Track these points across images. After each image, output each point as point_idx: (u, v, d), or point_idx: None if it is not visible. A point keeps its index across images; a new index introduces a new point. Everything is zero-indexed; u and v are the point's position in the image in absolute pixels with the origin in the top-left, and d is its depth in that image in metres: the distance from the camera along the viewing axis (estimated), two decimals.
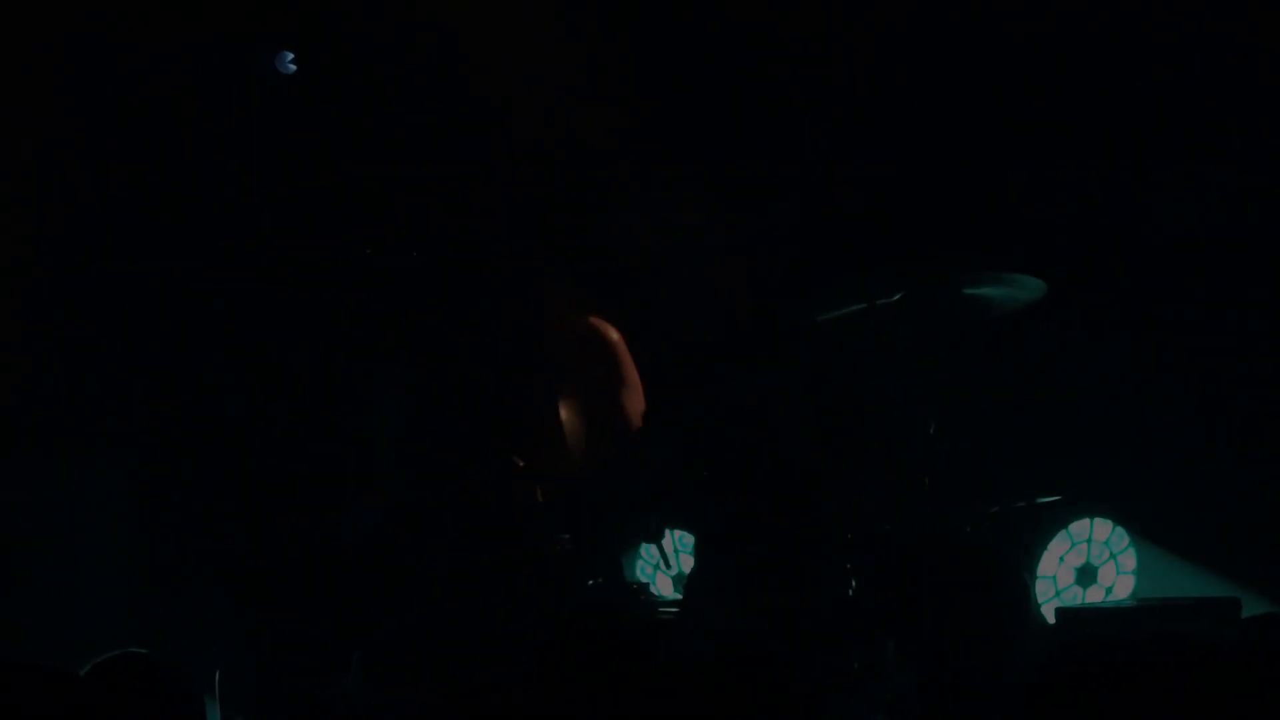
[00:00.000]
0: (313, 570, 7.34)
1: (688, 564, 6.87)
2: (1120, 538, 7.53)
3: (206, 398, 8.25)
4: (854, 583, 6.76)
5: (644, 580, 7.45)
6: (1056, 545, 7.46)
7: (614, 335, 7.13)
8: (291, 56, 7.93)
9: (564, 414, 6.96)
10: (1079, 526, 7.51)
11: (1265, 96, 8.12)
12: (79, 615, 7.87)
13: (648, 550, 7.80)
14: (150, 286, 8.36)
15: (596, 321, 7.13)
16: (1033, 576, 7.29)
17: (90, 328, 8.29)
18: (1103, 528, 7.52)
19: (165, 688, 5.00)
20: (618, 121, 8.15)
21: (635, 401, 7.10)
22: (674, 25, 8.35)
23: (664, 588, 7.29)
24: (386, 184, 8.19)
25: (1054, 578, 7.45)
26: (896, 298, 7.07)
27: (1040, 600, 7.25)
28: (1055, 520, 7.51)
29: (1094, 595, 7.43)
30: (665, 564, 6.88)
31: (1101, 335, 8.27)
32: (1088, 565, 7.50)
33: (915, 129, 8.30)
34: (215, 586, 7.68)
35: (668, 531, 6.74)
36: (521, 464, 6.63)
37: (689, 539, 7.17)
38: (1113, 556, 7.52)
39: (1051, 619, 7.01)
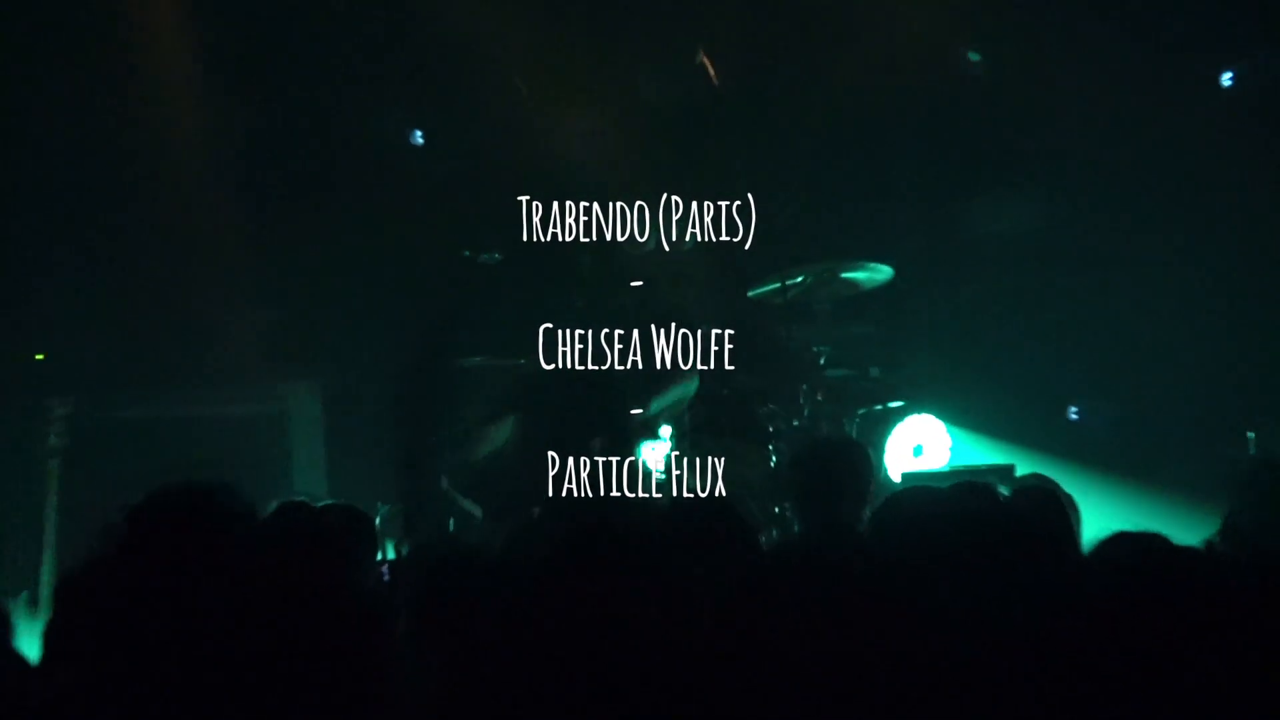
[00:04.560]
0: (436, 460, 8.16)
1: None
2: (939, 426, 8.63)
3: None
4: (774, 459, 7.96)
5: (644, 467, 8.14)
6: (900, 432, 8.54)
7: None
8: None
9: None
10: (915, 419, 8.61)
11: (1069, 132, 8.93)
12: (295, 482, 9.03)
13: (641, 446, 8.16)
14: None
15: None
16: (882, 452, 8.40)
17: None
18: (929, 420, 8.63)
19: (347, 523, 4.60)
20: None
21: None
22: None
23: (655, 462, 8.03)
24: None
25: (896, 454, 8.55)
26: (800, 279, 8.27)
27: (887, 468, 8.30)
28: (899, 416, 8.63)
29: (924, 463, 8.42)
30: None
31: (935, 304, 9.47)
32: (918, 445, 8.57)
33: (815, 170, 9.26)
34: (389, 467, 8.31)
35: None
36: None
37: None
38: (935, 439, 8.60)
39: (897, 479, 8.05)
